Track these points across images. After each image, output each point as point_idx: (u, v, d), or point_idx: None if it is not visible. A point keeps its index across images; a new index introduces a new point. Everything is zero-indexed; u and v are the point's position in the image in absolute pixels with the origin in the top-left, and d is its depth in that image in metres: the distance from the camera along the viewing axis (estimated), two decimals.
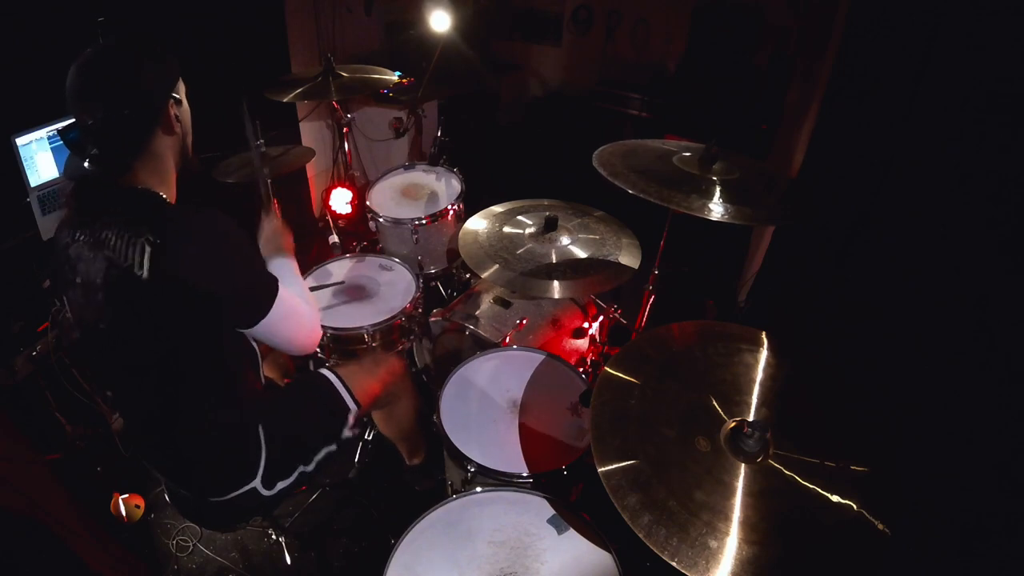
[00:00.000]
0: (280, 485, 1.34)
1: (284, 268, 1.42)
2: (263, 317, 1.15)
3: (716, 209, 1.36)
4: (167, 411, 1.17)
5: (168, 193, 1.14)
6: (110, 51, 1.04)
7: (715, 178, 1.47)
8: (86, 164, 1.06)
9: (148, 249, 0.99)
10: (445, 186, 2.47)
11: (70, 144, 1.04)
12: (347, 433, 1.48)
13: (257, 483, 1.30)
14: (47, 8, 1.91)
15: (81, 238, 1.06)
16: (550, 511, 1.29)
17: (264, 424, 1.31)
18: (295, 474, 1.37)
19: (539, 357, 1.72)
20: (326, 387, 1.49)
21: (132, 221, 1.02)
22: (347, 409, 1.48)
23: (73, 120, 1.04)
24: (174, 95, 1.11)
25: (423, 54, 3.03)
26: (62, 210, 1.13)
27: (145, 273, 0.99)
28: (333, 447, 1.45)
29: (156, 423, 1.21)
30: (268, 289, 1.16)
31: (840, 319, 1.76)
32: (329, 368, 1.54)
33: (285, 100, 2.24)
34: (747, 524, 0.93)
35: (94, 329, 1.11)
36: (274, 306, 1.16)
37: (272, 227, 1.49)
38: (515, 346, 1.79)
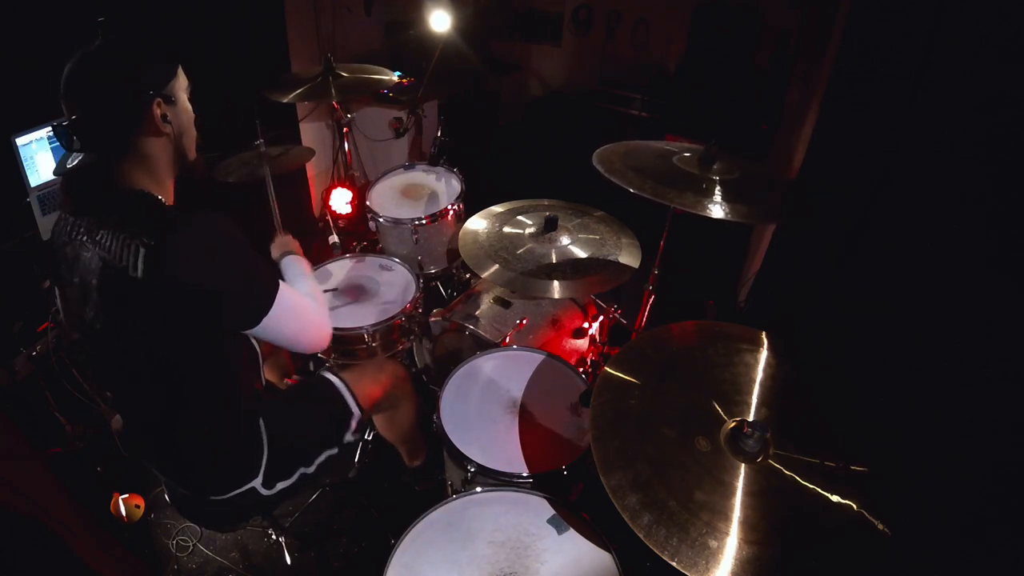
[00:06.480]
0: (280, 486, 1.35)
1: (294, 265, 1.48)
2: (264, 315, 1.13)
3: (716, 208, 1.36)
4: (167, 410, 1.17)
5: (164, 195, 1.12)
6: (97, 51, 1.03)
7: (715, 177, 1.47)
8: (75, 159, 1.06)
9: (142, 250, 0.98)
10: (445, 186, 2.47)
11: (57, 135, 1.04)
12: (349, 437, 1.49)
13: (258, 483, 1.30)
14: (47, 8, 1.91)
15: (78, 237, 1.06)
16: (550, 511, 1.29)
17: (266, 424, 1.31)
18: (296, 475, 1.38)
19: (539, 357, 1.72)
20: (330, 391, 1.49)
21: (127, 222, 1.02)
22: (351, 414, 1.49)
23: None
24: (164, 94, 1.07)
25: (423, 54, 3.03)
26: (60, 208, 1.13)
27: (140, 274, 0.98)
28: (335, 450, 1.46)
29: (156, 422, 1.21)
30: (268, 287, 1.14)
31: (840, 319, 1.76)
32: (333, 372, 1.54)
33: (285, 101, 2.24)
34: (747, 524, 0.93)
35: (91, 329, 1.10)
36: (275, 303, 1.14)
37: (284, 239, 1.61)
38: (515, 346, 1.79)
